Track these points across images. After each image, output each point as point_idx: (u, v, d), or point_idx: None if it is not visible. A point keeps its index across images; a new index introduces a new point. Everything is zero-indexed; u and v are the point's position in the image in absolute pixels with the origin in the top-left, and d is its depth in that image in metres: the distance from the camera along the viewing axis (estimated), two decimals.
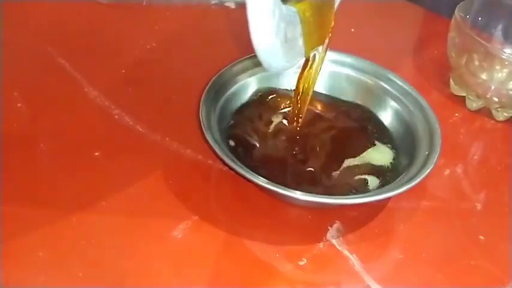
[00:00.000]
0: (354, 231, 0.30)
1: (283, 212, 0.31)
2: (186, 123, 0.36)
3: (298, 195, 0.27)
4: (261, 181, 0.27)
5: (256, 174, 0.28)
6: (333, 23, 0.31)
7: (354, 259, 0.28)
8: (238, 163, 0.28)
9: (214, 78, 0.33)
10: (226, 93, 0.34)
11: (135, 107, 0.37)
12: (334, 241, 0.29)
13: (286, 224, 0.30)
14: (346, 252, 0.29)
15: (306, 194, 0.27)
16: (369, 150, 0.33)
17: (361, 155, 0.32)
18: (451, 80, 0.43)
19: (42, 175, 0.31)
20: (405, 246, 0.30)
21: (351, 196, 0.28)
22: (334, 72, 0.37)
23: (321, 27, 0.30)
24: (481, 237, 0.31)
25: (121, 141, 0.35)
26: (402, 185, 0.27)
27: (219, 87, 0.33)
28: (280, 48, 0.25)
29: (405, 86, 0.35)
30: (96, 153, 0.33)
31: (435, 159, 0.28)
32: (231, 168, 0.28)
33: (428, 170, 0.28)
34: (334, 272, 0.28)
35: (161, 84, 0.40)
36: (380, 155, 0.32)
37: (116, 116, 0.36)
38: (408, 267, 0.29)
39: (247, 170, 0.28)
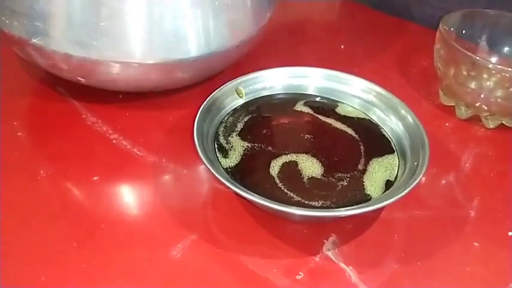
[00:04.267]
0: (349, 243, 0.31)
1: (279, 227, 0.31)
2: (182, 145, 0.37)
3: (292, 210, 0.27)
4: (256, 198, 0.27)
5: (251, 192, 0.28)
6: None
7: (350, 271, 0.29)
8: (233, 182, 0.29)
9: (207, 99, 0.34)
10: (221, 113, 0.35)
11: (132, 131, 0.38)
12: (330, 254, 0.30)
13: (283, 239, 0.30)
14: (342, 265, 0.29)
15: (299, 208, 0.28)
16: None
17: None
18: (440, 90, 0.44)
19: (42, 200, 0.32)
20: (400, 255, 0.30)
21: (341, 209, 0.28)
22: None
23: None
24: (476, 243, 0.31)
25: (119, 164, 0.35)
26: (391, 196, 0.28)
27: (213, 108, 0.34)
28: None
29: (393, 99, 0.36)
30: (95, 178, 0.34)
31: (424, 170, 0.29)
32: (226, 187, 0.29)
33: (416, 181, 0.28)
34: (331, 285, 0.28)
35: (157, 106, 0.41)
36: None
37: (114, 141, 0.37)
38: (404, 277, 0.29)
39: (242, 188, 0.28)
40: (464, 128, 0.41)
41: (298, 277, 0.28)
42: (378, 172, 0.32)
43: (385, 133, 0.35)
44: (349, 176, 0.31)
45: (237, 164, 0.32)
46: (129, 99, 0.41)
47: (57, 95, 0.41)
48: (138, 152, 0.36)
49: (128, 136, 0.37)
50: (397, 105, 0.35)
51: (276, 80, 0.38)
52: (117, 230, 0.31)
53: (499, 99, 0.40)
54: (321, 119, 0.36)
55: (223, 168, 0.31)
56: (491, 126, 0.41)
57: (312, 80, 0.38)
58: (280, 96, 0.38)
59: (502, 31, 0.43)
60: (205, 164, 0.29)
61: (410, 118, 0.34)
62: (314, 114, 0.36)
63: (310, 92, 0.38)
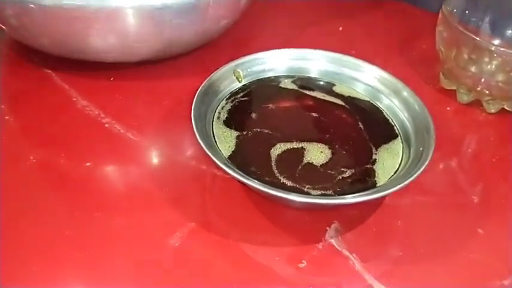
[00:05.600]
0: (352, 230, 0.30)
1: (280, 214, 0.30)
2: (178, 129, 0.36)
3: (293, 197, 0.26)
4: (256, 184, 0.26)
5: (251, 178, 0.27)
6: None
7: (353, 258, 0.28)
8: (233, 168, 0.28)
9: (205, 81, 0.33)
10: (219, 95, 0.34)
11: (125, 114, 0.37)
12: (333, 241, 0.29)
13: (284, 226, 0.30)
14: (345, 252, 0.29)
15: (301, 195, 0.27)
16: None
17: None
18: (441, 74, 0.43)
19: (33, 189, 0.31)
20: (404, 242, 0.30)
21: (346, 196, 0.27)
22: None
23: None
24: (480, 230, 0.31)
25: (112, 150, 0.34)
26: (396, 182, 0.27)
27: (211, 90, 0.33)
28: None
29: (397, 83, 0.35)
30: (88, 164, 0.33)
31: (430, 156, 0.28)
32: (226, 173, 0.28)
33: (423, 167, 0.27)
34: (334, 273, 0.28)
35: (151, 89, 0.40)
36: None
37: (107, 125, 0.36)
38: (408, 264, 0.28)
39: (241, 173, 0.27)
40: (465, 113, 0.40)
41: (301, 265, 0.28)
42: (387, 160, 0.31)
43: (388, 117, 0.34)
44: (358, 167, 0.30)
45: (233, 151, 0.30)
46: (121, 80, 0.40)
47: (46, 78, 0.39)
48: (132, 137, 0.35)
49: (120, 120, 0.36)
50: (400, 89, 0.34)
51: (276, 63, 0.36)
52: (113, 218, 0.29)
53: (500, 83, 0.39)
54: (321, 99, 0.35)
55: (223, 154, 0.30)
56: (492, 110, 0.40)
57: (314, 62, 0.37)
58: (281, 78, 0.37)
59: (505, 14, 0.42)
60: (204, 150, 0.28)
61: (413, 102, 0.33)
62: (312, 94, 0.35)
63: (312, 74, 0.37)
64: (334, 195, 0.28)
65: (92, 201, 0.30)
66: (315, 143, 0.31)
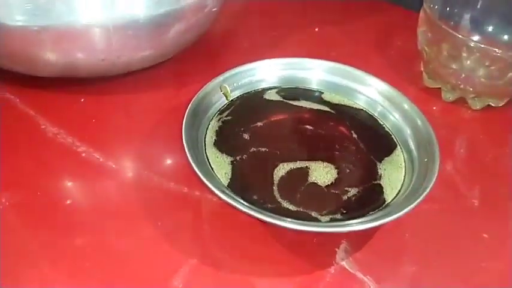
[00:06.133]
0: (361, 249, 0.29)
1: (286, 240, 0.29)
2: (163, 152, 0.33)
3: (305, 227, 0.24)
4: (256, 212, 0.24)
5: (256, 208, 0.25)
6: None
7: (368, 281, 0.27)
8: (229, 193, 0.26)
9: (191, 102, 0.30)
10: (208, 114, 0.31)
11: (102, 139, 0.34)
12: (344, 264, 0.28)
13: (292, 253, 0.28)
14: (359, 275, 0.27)
15: (312, 224, 0.25)
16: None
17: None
18: (423, 73, 0.42)
19: (9, 236, 0.27)
20: (415, 256, 0.29)
21: (360, 220, 0.26)
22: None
23: None
24: (485, 235, 0.30)
25: (94, 183, 0.31)
26: (408, 200, 0.26)
27: (199, 110, 0.30)
28: None
29: (391, 90, 0.34)
30: (69, 201, 0.29)
31: (437, 167, 0.27)
32: (221, 200, 0.26)
33: (432, 183, 0.26)
34: None
35: (126, 107, 0.36)
36: None
37: (83, 154, 0.32)
38: (424, 279, 0.28)
39: (239, 200, 0.25)
40: (451, 111, 0.40)
41: None
42: (392, 174, 0.29)
43: (384, 125, 0.33)
44: (365, 185, 0.29)
45: (231, 178, 0.28)
46: (93, 101, 0.36)
47: (8, 104, 0.35)
48: (114, 166, 0.32)
49: (98, 147, 0.33)
50: (395, 96, 0.33)
51: (265, 73, 0.34)
52: (106, 265, 0.27)
53: (481, 79, 0.39)
54: (312, 108, 0.34)
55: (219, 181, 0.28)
56: (477, 107, 0.40)
57: (311, 72, 0.35)
58: (270, 91, 0.35)
59: (484, 9, 0.42)
60: (203, 181, 0.25)
61: (409, 109, 0.32)
62: (300, 104, 0.34)
63: (307, 85, 0.35)
64: (344, 220, 0.27)
65: (78, 245, 0.27)
66: (320, 162, 0.30)
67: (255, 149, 0.30)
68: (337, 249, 0.28)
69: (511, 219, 0.31)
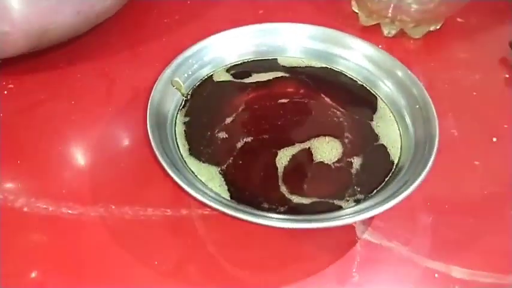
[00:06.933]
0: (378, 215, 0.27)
1: (300, 236, 0.26)
2: (130, 176, 0.28)
3: (330, 223, 0.21)
4: (254, 218, 0.21)
5: (248, 210, 0.22)
6: None
7: (396, 246, 0.26)
8: (223, 200, 0.23)
9: (148, 110, 0.25)
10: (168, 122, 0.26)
11: (42, 182, 0.27)
12: (367, 236, 0.26)
13: (313, 246, 0.25)
14: (386, 243, 0.26)
15: (334, 217, 0.22)
16: None
17: None
18: (359, 13, 0.41)
19: None
20: (426, 206, 0.28)
21: (384, 202, 0.22)
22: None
23: None
24: (476, 162, 0.30)
25: (54, 241, 0.25)
26: (418, 161, 0.24)
27: (161, 120, 0.25)
28: None
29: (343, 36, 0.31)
30: (33, 274, 0.23)
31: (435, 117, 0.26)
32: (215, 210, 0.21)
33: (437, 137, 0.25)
34: (388, 270, 0.25)
35: (57, 125, 0.30)
36: None
37: (25, 209, 0.26)
38: (442, 225, 0.27)
39: (236, 207, 0.22)
40: (395, 46, 0.39)
41: (354, 279, 0.24)
42: (387, 129, 0.27)
43: (354, 79, 0.30)
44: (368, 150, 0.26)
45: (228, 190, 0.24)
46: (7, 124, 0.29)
47: None
48: (69, 211, 0.26)
49: (40, 194, 0.26)
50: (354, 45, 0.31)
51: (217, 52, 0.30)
52: None
53: (412, 5, 0.38)
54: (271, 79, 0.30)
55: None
56: (418, 36, 0.40)
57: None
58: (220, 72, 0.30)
59: None
60: (193, 197, 0.21)
61: (376, 54, 0.30)
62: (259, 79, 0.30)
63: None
64: (362, 199, 0.24)
65: None
66: (321, 137, 0.27)
67: (239, 146, 0.26)
68: (354, 224, 0.26)
69: (490, 140, 0.32)
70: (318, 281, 0.24)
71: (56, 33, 0.28)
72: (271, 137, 0.27)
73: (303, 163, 0.25)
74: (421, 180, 0.23)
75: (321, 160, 0.25)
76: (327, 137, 0.27)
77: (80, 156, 0.29)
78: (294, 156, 0.26)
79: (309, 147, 0.26)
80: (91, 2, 0.26)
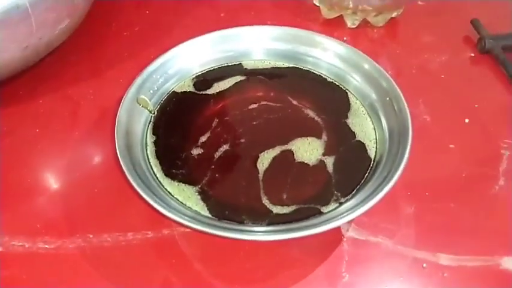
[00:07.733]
0: None
1: (288, 244, 0.25)
2: (105, 201, 0.27)
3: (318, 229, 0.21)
4: (237, 234, 0.21)
5: (229, 227, 0.22)
6: None
7: (383, 240, 0.26)
8: (203, 218, 0.22)
9: (116, 132, 0.24)
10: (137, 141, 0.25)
11: (13, 218, 0.26)
12: (353, 234, 0.26)
13: (298, 252, 0.25)
14: (371, 238, 0.26)
15: (319, 221, 0.22)
16: None
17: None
18: (320, 6, 0.40)
19: None
20: (407, 195, 0.28)
21: (364, 203, 0.22)
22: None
23: None
24: (451, 145, 0.30)
25: (34, 276, 0.24)
26: (393, 155, 0.24)
27: (131, 141, 0.24)
28: None
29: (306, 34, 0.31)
30: None
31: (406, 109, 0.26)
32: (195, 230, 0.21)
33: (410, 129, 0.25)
34: (377, 265, 0.25)
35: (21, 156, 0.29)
36: None
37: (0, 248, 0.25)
38: (427, 217, 0.27)
39: (217, 224, 0.21)
40: (359, 35, 0.39)
41: (344, 280, 0.24)
42: (361, 124, 0.27)
43: (326, 77, 0.30)
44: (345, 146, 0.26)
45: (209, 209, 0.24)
46: None
47: None
48: (46, 246, 0.25)
49: (9, 231, 0.25)
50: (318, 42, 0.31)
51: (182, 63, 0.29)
52: None
53: None
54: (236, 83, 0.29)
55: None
56: (380, 24, 0.40)
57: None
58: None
59: None
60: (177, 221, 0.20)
61: (342, 50, 0.30)
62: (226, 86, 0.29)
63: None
64: (344, 199, 0.24)
65: None
66: (300, 138, 0.26)
67: (217, 156, 0.25)
68: None
69: (463, 122, 0.32)
70: (309, 285, 0.24)
71: (5, 69, 0.27)
72: (250, 142, 0.26)
73: (284, 165, 0.25)
74: (399, 175, 0.23)
75: (302, 160, 0.25)
76: (308, 138, 0.26)
77: (51, 187, 0.28)
78: (274, 158, 0.25)
79: (291, 149, 0.26)
80: (38, 34, 0.25)
